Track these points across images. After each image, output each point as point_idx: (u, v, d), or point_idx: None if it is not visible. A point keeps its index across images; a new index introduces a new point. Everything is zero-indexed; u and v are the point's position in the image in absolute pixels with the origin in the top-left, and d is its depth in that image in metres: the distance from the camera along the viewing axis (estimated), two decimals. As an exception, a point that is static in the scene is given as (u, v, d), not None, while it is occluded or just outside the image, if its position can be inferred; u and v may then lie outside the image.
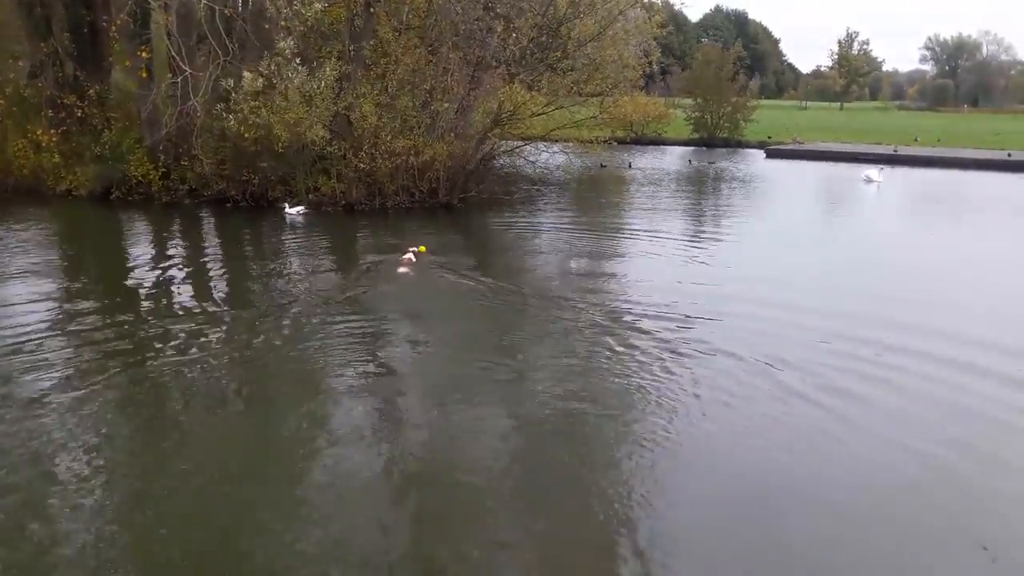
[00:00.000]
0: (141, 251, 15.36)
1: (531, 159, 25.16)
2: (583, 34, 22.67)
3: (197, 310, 10.95)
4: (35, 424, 7.04)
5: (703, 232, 18.94)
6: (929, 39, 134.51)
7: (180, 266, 14.00)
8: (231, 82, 18.13)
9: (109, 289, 12.35)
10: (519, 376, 8.68)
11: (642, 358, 9.12)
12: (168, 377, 8.34)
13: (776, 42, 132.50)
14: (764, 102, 67.73)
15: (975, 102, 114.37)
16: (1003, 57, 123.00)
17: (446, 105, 20.96)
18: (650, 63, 24.37)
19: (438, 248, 14.96)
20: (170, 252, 15.44)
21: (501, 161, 23.69)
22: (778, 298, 11.98)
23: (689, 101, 50.24)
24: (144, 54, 20.04)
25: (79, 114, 20.48)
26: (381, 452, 6.77)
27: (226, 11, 18.32)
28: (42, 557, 5.19)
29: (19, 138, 20.45)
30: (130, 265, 14.06)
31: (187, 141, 19.09)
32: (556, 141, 24.74)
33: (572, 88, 22.08)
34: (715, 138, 47.57)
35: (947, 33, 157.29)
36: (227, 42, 18.13)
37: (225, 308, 11.20)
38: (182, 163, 19.87)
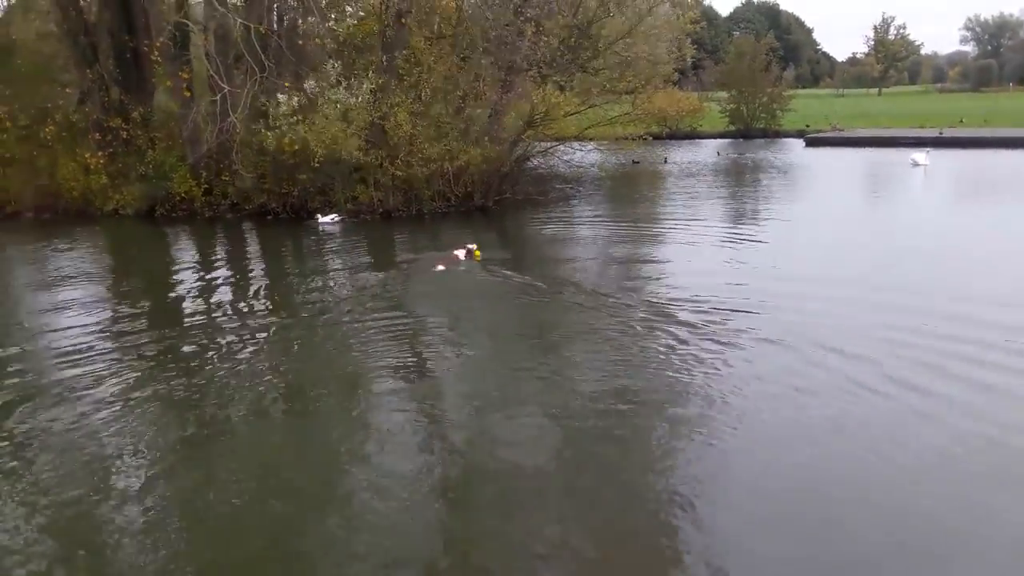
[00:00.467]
0: (185, 264, 15.73)
1: (565, 158, 25.20)
2: (613, 32, 22.67)
3: (241, 319, 11.17)
4: (87, 432, 7.22)
5: (747, 223, 18.72)
6: (969, 19, 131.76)
7: (223, 277, 14.34)
8: (269, 100, 18.53)
9: (155, 301, 12.67)
10: (562, 374, 8.66)
11: (692, 351, 9.01)
12: (215, 385, 8.50)
13: (809, 31, 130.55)
14: (800, 91, 66.77)
15: (1021, 80, 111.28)
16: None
17: (479, 110, 21.13)
18: (683, 58, 24.17)
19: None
20: (214, 264, 15.82)
21: (535, 162, 23.75)
22: (831, 287, 11.78)
23: (723, 94, 49.86)
24: (185, 75, 20.56)
25: (124, 136, 21.09)
26: (425, 455, 6.77)
27: (261, 29, 18.72)
28: (96, 563, 5.31)
29: (69, 162, 21.09)
30: (175, 278, 14.41)
31: (227, 157, 19.52)
32: (590, 139, 24.75)
33: (604, 86, 22.06)
34: (752, 129, 47.16)
35: (988, 12, 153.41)
36: (263, 59, 18.51)
37: (268, 316, 11.41)
38: (223, 178, 20.35)
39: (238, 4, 20.07)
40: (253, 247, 17.84)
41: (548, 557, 5.32)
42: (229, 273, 14.80)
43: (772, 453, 6.69)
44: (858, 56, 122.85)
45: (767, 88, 47.41)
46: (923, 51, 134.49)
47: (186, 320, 11.37)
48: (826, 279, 12.51)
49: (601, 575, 5.20)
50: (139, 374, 8.85)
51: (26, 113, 21.83)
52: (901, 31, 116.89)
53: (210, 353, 9.59)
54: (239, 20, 18.37)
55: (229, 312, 11.71)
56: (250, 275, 14.66)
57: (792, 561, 5.21)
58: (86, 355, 9.48)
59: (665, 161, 32.83)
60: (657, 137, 31.29)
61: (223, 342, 10.00)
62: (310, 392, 8.42)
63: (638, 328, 10.05)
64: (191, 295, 13.02)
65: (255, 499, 6.13)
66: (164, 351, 9.69)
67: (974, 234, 16.88)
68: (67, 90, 22.55)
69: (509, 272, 13.46)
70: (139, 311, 11.92)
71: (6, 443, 7.09)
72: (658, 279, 12.99)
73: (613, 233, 17.81)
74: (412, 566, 5.24)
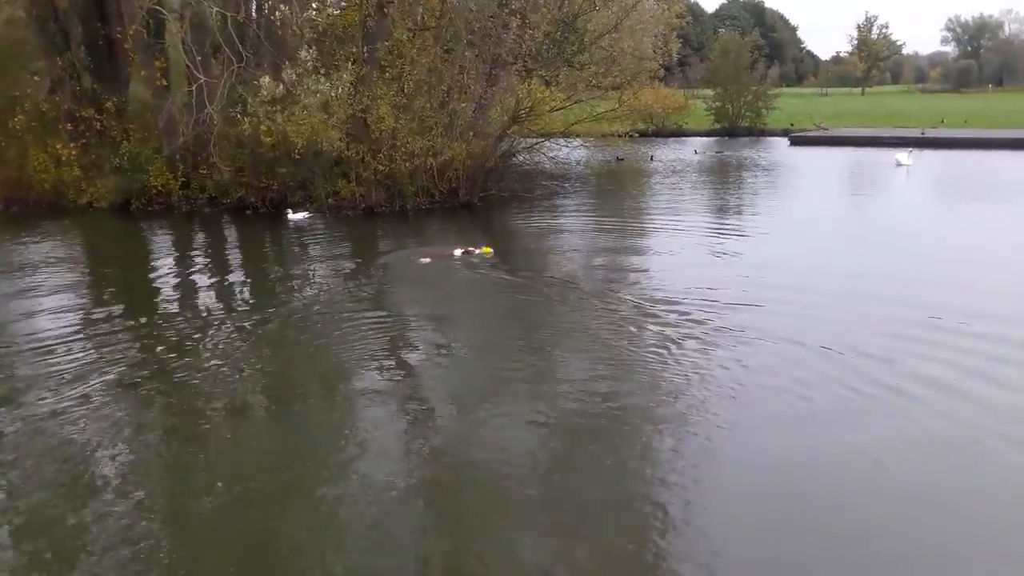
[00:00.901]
0: (162, 260, 15.26)
1: (551, 155, 24.88)
2: (599, 27, 22.35)
3: (219, 316, 10.81)
4: (60, 431, 6.95)
5: (733, 221, 18.58)
6: (950, 20, 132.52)
7: (201, 273, 13.90)
8: (246, 89, 18.03)
9: (131, 298, 12.22)
10: (549, 373, 8.44)
11: (681, 348, 8.84)
12: (193, 384, 8.17)
13: (794, 30, 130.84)
14: (785, 90, 66.81)
15: (1000, 82, 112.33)
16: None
17: (463, 104, 20.74)
18: (669, 53, 23.92)
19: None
20: (191, 260, 15.37)
21: (521, 158, 23.42)
22: (818, 284, 11.74)
23: (709, 92, 49.74)
24: (160, 64, 19.98)
25: (98, 127, 20.46)
26: (406, 457, 6.54)
27: (239, 18, 18.21)
28: (63, 565, 5.06)
29: (39, 153, 20.44)
30: (152, 274, 13.97)
31: (205, 149, 19.01)
32: (576, 136, 24.45)
33: (590, 82, 21.73)
34: (737, 127, 47.11)
35: (968, 13, 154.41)
36: (241, 49, 18.01)
37: (247, 313, 11.03)
38: (201, 172, 19.80)
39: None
40: (231, 242, 17.38)
41: (533, 563, 5.09)
42: (207, 269, 14.35)
43: (765, 453, 6.52)
44: (841, 55, 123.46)
45: (752, 86, 47.34)
46: (905, 51, 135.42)
47: (162, 316, 10.93)
48: (815, 276, 12.42)
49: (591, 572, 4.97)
50: (114, 371, 8.49)
51: (-6, 102, 21.16)
52: (884, 31, 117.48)
53: (187, 350, 9.22)
54: (215, 8, 17.85)
55: (207, 308, 11.32)
56: (228, 271, 14.24)
57: (783, 565, 5.04)
58: (58, 352, 9.10)
59: (651, 159, 32.59)
60: (643, 134, 31.11)
61: (200, 339, 9.64)
62: (289, 391, 8.10)
63: (626, 325, 9.82)
64: (168, 291, 12.63)
65: (231, 500, 5.89)
66: (140, 348, 9.33)
67: (958, 232, 16.86)
68: (36, 78, 21.80)
69: (493, 270, 13.16)
70: (114, 307, 11.50)
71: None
72: (645, 276, 12.78)
73: (600, 230, 17.55)
74: (392, 573, 4.99)
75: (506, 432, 6.89)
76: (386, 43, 19.90)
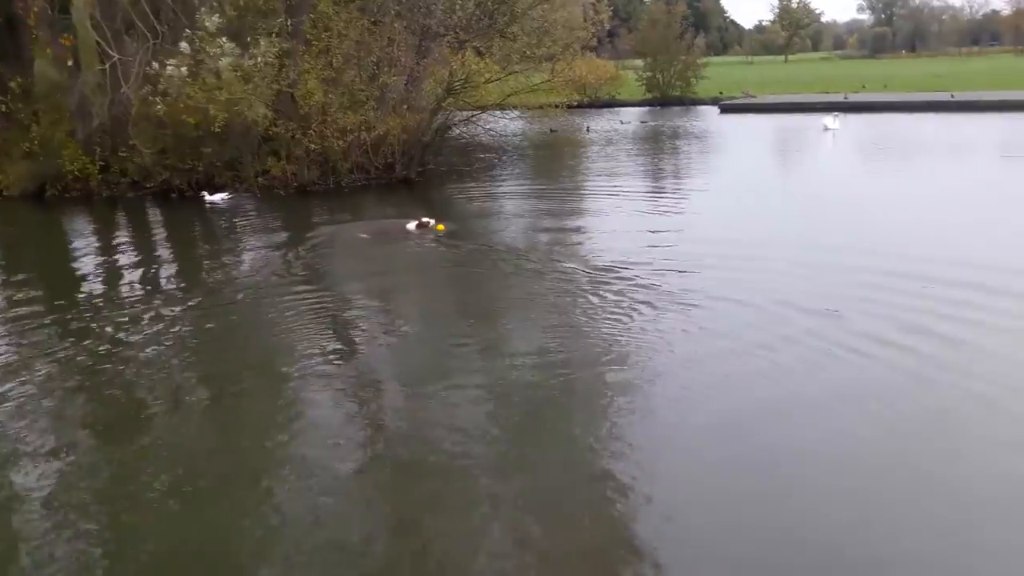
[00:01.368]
0: (84, 249, 14.38)
1: (488, 127, 24.50)
2: (530, -3, 21.98)
3: (149, 305, 10.13)
4: None
5: (671, 188, 18.65)
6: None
7: (127, 261, 13.11)
8: (155, 67, 17.08)
9: (53, 290, 11.49)
10: (499, 346, 8.20)
11: (629, 314, 8.71)
12: (126, 375, 7.65)
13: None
14: (711, 59, 67.57)
15: (912, 48, 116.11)
16: (935, 3, 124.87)
17: (394, 78, 20.16)
18: (602, 23, 23.72)
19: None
20: (115, 248, 14.51)
21: (457, 131, 22.98)
22: (760, 246, 11.72)
23: (639, 62, 49.90)
24: (67, 42, 18.80)
25: (2, 109, 19.18)
26: (356, 444, 6.19)
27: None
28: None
29: (-61, 139, 19.11)
30: (73, 264, 13.17)
31: (124, 131, 18.02)
32: (513, 108, 24.12)
33: (524, 53, 21.37)
34: (668, 97, 47.41)
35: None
36: (156, 24, 17.06)
37: (178, 301, 10.38)
38: (120, 154, 18.74)
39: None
40: (157, 227, 16.55)
41: (491, 538, 4.90)
42: (133, 256, 13.55)
43: (720, 414, 6.42)
44: (764, 24, 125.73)
45: (681, 56, 47.65)
46: (824, 19, 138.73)
47: (88, 307, 10.27)
48: (756, 239, 12.42)
49: (544, 556, 4.75)
50: (38, 365, 7.91)
51: None
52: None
53: (117, 341, 8.67)
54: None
55: (135, 297, 10.67)
56: (156, 257, 13.50)
57: (732, 531, 4.88)
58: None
59: (588, 130, 32.48)
60: (576, 106, 30.87)
61: (131, 329, 9.07)
62: (227, 377, 7.67)
63: (574, 293, 9.69)
64: (92, 281, 11.90)
65: (172, 496, 5.46)
66: (66, 341, 8.71)
67: (889, 191, 17.21)
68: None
69: (437, 242, 12.88)
70: (34, 300, 10.77)
71: None
72: (589, 244, 12.66)
73: (541, 201, 17.35)
74: (346, 563, 4.69)
75: (458, 408, 6.63)
76: (311, 15, 19.14)
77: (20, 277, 12.46)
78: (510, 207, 16.71)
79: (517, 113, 25.80)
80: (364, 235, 13.06)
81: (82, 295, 11.09)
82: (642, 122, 36.60)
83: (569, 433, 6.27)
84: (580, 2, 26.35)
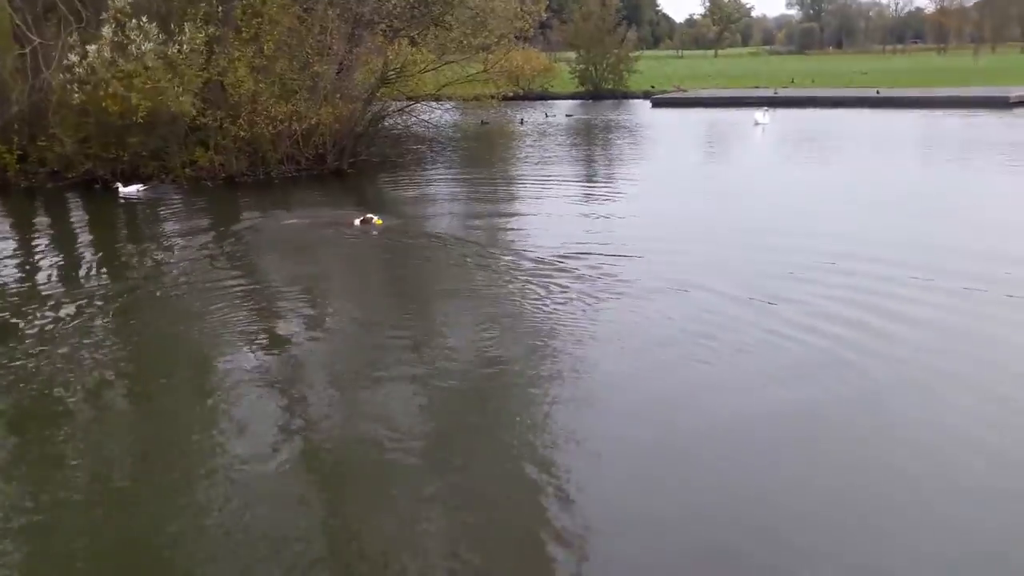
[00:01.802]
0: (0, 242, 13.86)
1: (422, 118, 24.40)
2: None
3: (69, 300, 9.80)
4: None
5: (605, 179, 18.95)
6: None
7: (45, 255, 12.69)
8: (77, 52, 16.51)
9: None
10: (431, 337, 8.23)
11: (566, 304, 8.88)
12: (41, 372, 7.41)
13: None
14: (643, 53, 68.45)
15: (839, 44, 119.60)
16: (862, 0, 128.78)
17: (326, 67, 19.91)
18: (539, 13, 23.84)
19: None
20: (33, 240, 13.99)
21: (390, 122, 22.81)
22: (696, 235, 12.20)
23: (571, 55, 50.22)
24: (-16, 25, 18.05)
25: (-87, 95, 18.31)
26: (286, 440, 6.07)
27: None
28: None
29: None
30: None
31: (44, 118, 17.39)
32: (448, 99, 24.07)
33: (460, 42, 21.35)
34: (601, 90, 47.83)
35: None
36: (79, 8, 16.51)
37: (99, 296, 10.10)
38: (40, 143, 18.07)
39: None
40: (79, 220, 16.01)
41: (424, 538, 4.87)
42: (51, 249, 13.12)
43: (651, 402, 6.58)
44: (695, 18, 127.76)
45: (614, 49, 48.14)
46: (753, 14, 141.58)
47: (3, 301, 9.88)
48: (691, 228, 12.85)
49: (478, 548, 4.79)
50: None
51: None
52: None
53: (34, 336, 8.42)
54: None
55: (53, 292, 10.31)
56: (77, 251, 13.05)
57: (668, 521, 4.98)
58: None
59: (522, 122, 32.62)
60: (510, 98, 30.98)
61: (50, 326, 8.78)
62: (152, 374, 7.55)
63: (510, 283, 9.83)
64: (8, 275, 11.40)
65: (97, 504, 5.33)
66: None
67: (815, 183, 17.85)
68: None
69: (368, 235, 12.81)
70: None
71: None
72: (525, 235, 12.79)
73: (475, 192, 17.45)
74: (273, 560, 4.61)
75: (391, 402, 6.62)
76: (241, 1, 18.77)
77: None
78: (444, 199, 16.76)
79: (452, 104, 25.72)
80: (301, 222, 12.94)
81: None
82: (568, 115, 36.80)
83: (501, 425, 6.31)
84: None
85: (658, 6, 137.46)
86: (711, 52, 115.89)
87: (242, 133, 18.25)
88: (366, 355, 7.80)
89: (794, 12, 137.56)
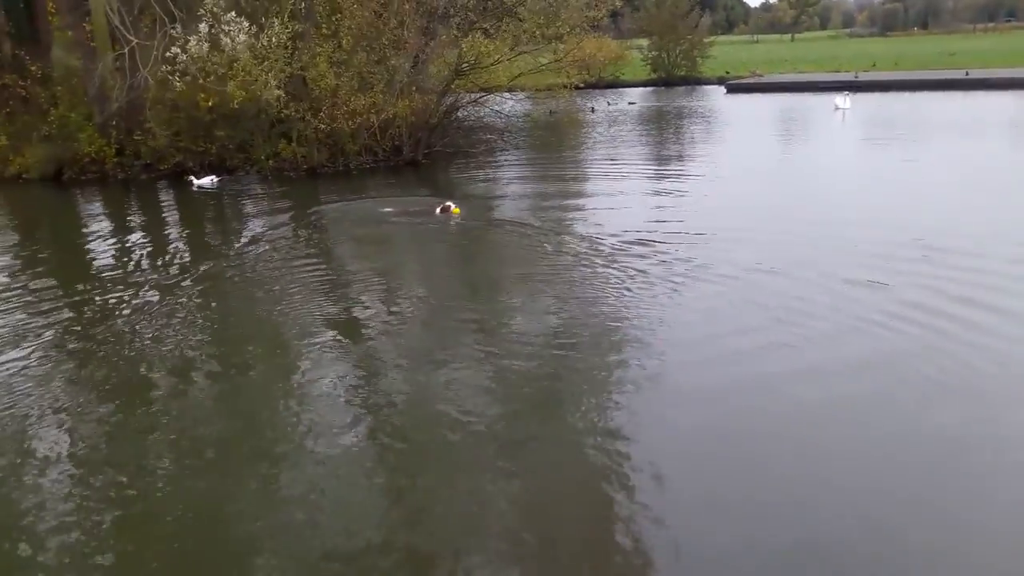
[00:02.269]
0: (99, 229, 14.73)
1: (494, 109, 24.74)
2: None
3: (159, 282, 10.48)
4: None
5: (682, 167, 18.75)
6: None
7: (140, 240, 13.52)
8: (175, 48, 17.39)
9: (68, 267, 11.87)
10: (501, 320, 8.42)
11: (637, 285, 9.05)
12: (134, 351, 7.93)
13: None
14: (717, 38, 67.30)
15: (924, 25, 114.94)
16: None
17: (402, 60, 20.41)
18: (614, 1, 23.81)
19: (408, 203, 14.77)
20: (128, 227, 14.89)
21: (463, 113, 23.21)
22: (776, 224, 12.09)
23: (643, 42, 49.78)
24: (87, 27, 19.14)
25: (22, 94, 19.60)
26: (357, 410, 6.41)
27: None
28: (5, 545, 4.88)
29: (-41, 123, 19.54)
30: (88, 243, 13.55)
31: (139, 114, 18.40)
32: (521, 89, 24.31)
33: (534, 33, 21.56)
34: (673, 77, 47.34)
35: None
36: (172, 8, 17.37)
37: (187, 277, 10.70)
38: (135, 137, 19.17)
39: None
40: (170, 208, 16.89)
41: (490, 515, 5.03)
42: (145, 236, 13.94)
43: (729, 389, 6.58)
44: (771, 2, 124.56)
45: (687, 35, 47.55)
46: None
47: (101, 284, 10.56)
48: (774, 213, 12.89)
49: (546, 530, 4.90)
50: (50, 335, 8.36)
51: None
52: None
53: (124, 315, 9.03)
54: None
55: (146, 275, 11.01)
56: (168, 237, 13.84)
57: (736, 508, 4.98)
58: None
59: (593, 110, 32.62)
60: (580, 87, 31.04)
61: (138, 303, 9.43)
62: (234, 353, 7.96)
63: (582, 267, 10.02)
64: (106, 259, 12.24)
65: (180, 470, 5.65)
66: (76, 313, 9.12)
67: (901, 170, 17.27)
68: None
69: (441, 223, 13.17)
70: (48, 275, 11.16)
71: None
72: (598, 220, 12.86)
73: (547, 180, 17.64)
74: (356, 534, 4.86)
75: (461, 385, 6.76)
76: (320, -2, 19.43)
77: (37, 255, 12.89)
78: (516, 186, 16.99)
79: (523, 94, 25.94)
80: (388, 209, 13.47)
81: (94, 272, 11.45)
82: (631, 103, 36.43)
83: (572, 404, 6.43)
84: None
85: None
86: (787, 36, 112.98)
87: (323, 126, 18.90)
88: (438, 337, 8.03)
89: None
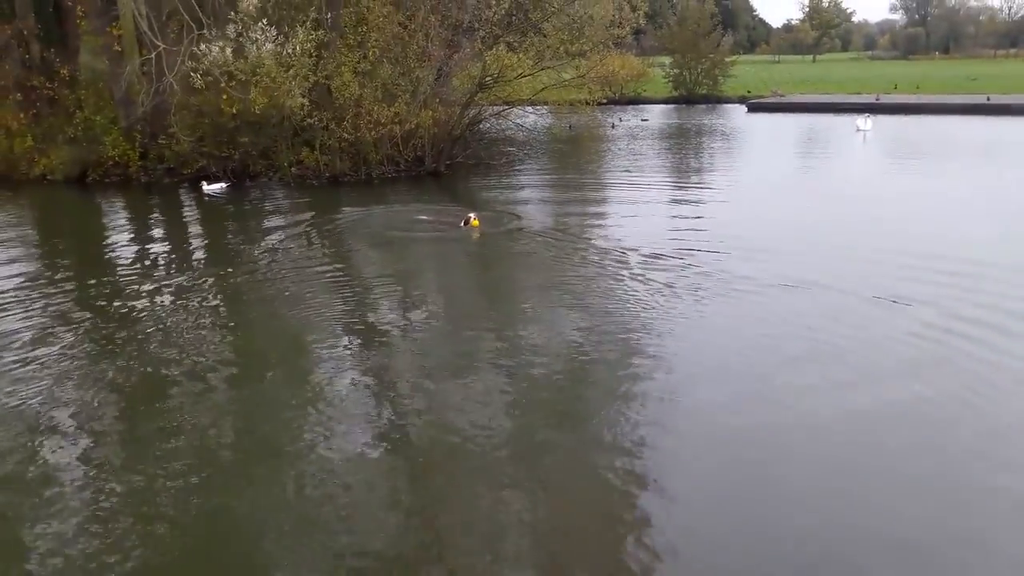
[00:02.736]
0: (120, 231, 14.87)
1: (517, 122, 24.79)
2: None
3: (179, 286, 10.51)
4: (16, 404, 6.74)
5: (703, 182, 18.79)
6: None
7: (161, 244, 13.65)
8: (202, 50, 17.53)
9: (89, 269, 11.87)
10: (518, 331, 8.40)
11: (657, 296, 9.11)
12: (153, 352, 7.96)
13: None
14: (739, 58, 67.26)
15: (946, 49, 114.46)
16: (972, 3, 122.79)
17: (426, 72, 20.48)
18: (638, 19, 23.86)
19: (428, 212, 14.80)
20: (151, 231, 15.03)
21: (485, 125, 23.27)
22: (797, 239, 12.12)
23: (665, 59, 49.83)
24: (115, 31, 19.32)
25: (50, 96, 19.79)
26: (374, 416, 6.44)
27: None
28: (26, 545, 4.88)
29: (-13, 123, 19.72)
30: (110, 245, 13.65)
31: (163, 119, 18.52)
32: (543, 104, 24.37)
33: (558, 49, 21.59)
34: (694, 95, 47.32)
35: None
36: (199, 14, 17.50)
37: (206, 281, 10.77)
38: (159, 142, 19.28)
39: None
40: (191, 213, 16.97)
41: (510, 526, 5.01)
42: (166, 239, 14.06)
43: (748, 399, 6.60)
44: (793, 23, 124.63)
45: (708, 53, 47.56)
46: (854, 19, 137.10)
47: (121, 287, 10.63)
48: (792, 231, 12.83)
49: (562, 539, 4.91)
50: (68, 336, 8.41)
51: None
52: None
53: (144, 317, 9.08)
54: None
55: (166, 278, 11.07)
56: (188, 241, 13.96)
57: (755, 523, 4.97)
58: (10, 326, 8.79)
59: (613, 126, 32.63)
60: (601, 103, 31.08)
61: (160, 309, 9.47)
62: (252, 356, 8.01)
63: (602, 279, 10.07)
64: (127, 262, 12.34)
65: (195, 477, 5.62)
66: (96, 314, 9.18)
67: (923, 192, 17.23)
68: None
69: (460, 234, 13.15)
70: (70, 276, 11.23)
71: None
72: (619, 233, 12.90)
73: (569, 193, 17.69)
74: (369, 543, 4.85)
75: (476, 393, 6.78)
76: (347, 8, 19.51)
77: (58, 256, 13.02)
78: (538, 200, 16.99)
79: (545, 108, 26.02)
80: (409, 219, 13.55)
81: (115, 275, 11.48)
82: (644, 120, 36.26)
83: (589, 416, 6.41)
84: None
85: (755, 11, 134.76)
86: (809, 57, 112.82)
87: (347, 135, 18.96)
88: (455, 346, 8.03)
89: (898, 16, 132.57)
